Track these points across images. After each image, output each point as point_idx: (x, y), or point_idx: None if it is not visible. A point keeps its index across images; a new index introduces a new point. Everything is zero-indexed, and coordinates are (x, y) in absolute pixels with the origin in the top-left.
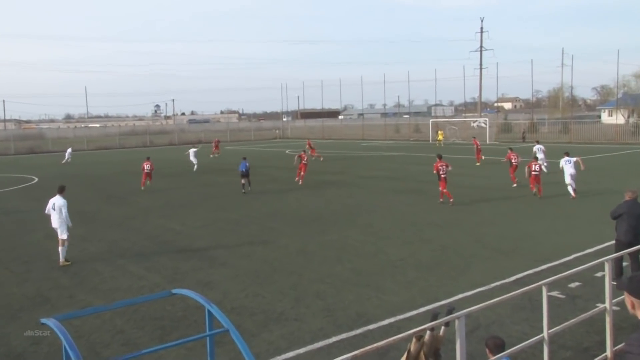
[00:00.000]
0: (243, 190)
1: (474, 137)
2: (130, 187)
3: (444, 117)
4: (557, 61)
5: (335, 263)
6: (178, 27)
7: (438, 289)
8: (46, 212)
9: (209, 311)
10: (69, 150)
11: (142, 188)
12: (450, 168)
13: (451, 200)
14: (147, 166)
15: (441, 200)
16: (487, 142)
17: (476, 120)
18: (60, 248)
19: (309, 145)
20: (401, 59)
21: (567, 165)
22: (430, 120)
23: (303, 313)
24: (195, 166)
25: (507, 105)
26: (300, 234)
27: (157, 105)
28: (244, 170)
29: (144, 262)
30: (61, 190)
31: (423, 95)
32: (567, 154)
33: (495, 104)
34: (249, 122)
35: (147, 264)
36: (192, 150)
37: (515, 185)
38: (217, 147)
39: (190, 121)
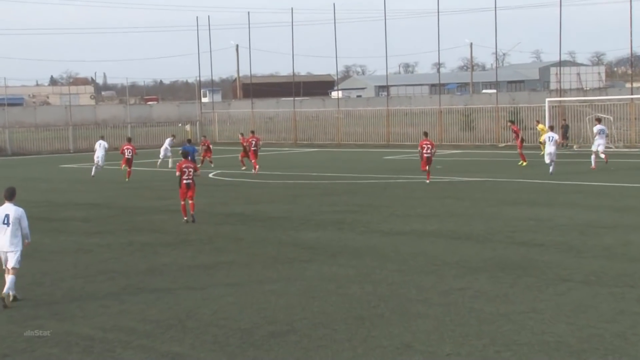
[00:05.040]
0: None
1: (512, 122)
2: None
3: (582, 89)
4: None
5: None
6: None
7: None
8: None
9: None
10: None
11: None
12: None
13: None
14: (127, 150)
15: None
16: None
17: None
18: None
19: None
20: None
21: (550, 142)
22: (547, 99)
23: None
24: (163, 161)
25: None
26: None
27: None
28: (191, 151)
29: None
30: (12, 195)
31: (529, 41)
32: (552, 128)
33: None
34: (120, 105)
35: None
36: (167, 141)
37: None
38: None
39: None
